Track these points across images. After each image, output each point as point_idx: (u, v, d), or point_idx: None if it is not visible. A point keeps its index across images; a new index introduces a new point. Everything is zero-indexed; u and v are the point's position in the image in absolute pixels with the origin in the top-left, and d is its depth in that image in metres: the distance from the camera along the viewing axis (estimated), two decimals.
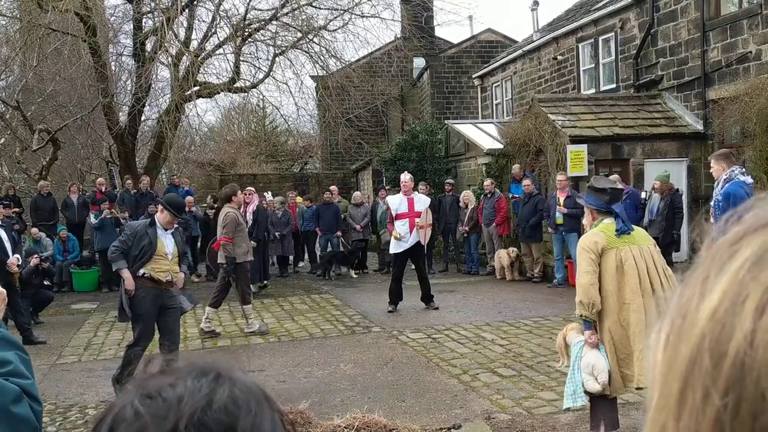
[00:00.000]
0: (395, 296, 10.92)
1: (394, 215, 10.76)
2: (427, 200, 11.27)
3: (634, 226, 5.04)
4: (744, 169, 7.77)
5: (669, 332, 0.56)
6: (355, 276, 15.26)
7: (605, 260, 4.75)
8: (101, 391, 7.08)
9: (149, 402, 0.74)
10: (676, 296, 0.58)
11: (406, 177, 11.00)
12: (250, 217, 12.71)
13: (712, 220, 8.01)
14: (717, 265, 0.55)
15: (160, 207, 6.92)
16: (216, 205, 15.93)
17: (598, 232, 4.86)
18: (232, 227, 9.50)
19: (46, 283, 12.02)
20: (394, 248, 10.82)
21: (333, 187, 17.30)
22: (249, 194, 13.08)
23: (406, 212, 10.69)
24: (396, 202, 10.88)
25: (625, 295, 4.71)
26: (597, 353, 4.78)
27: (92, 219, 14.67)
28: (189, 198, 15.04)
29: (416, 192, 11.39)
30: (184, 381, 0.76)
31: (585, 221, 5.24)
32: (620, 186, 5.22)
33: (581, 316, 4.77)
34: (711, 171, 7.72)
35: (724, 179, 7.32)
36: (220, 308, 11.80)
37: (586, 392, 4.83)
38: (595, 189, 4.98)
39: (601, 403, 4.87)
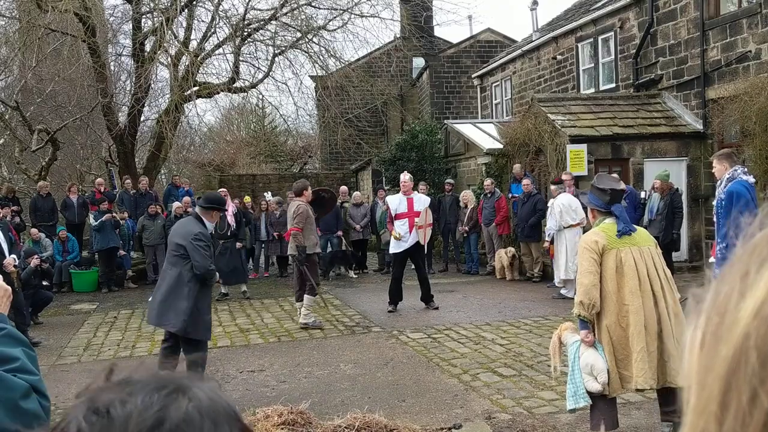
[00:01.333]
0: (395, 296, 10.91)
1: (393, 215, 10.75)
2: (427, 200, 11.26)
3: (636, 226, 5.01)
4: (746, 169, 7.81)
5: (705, 331, 0.54)
6: (354, 276, 15.24)
7: (605, 260, 4.74)
8: None
9: (95, 419, 0.70)
10: (711, 293, 0.55)
11: (405, 177, 10.99)
12: (231, 219, 12.79)
13: (714, 219, 7.99)
14: (757, 260, 0.53)
15: (212, 212, 6.64)
16: None
17: (599, 231, 4.84)
18: (303, 218, 9.75)
19: (45, 283, 12.01)
20: (394, 248, 10.82)
21: (343, 188, 17.44)
22: (223, 195, 13.07)
23: (406, 212, 10.68)
24: (395, 202, 10.87)
25: (625, 296, 4.69)
26: (595, 353, 4.76)
27: (92, 220, 14.65)
28: (186, 199, 15.03)
29: (416, 192, 11.38)
30: (137, 396, 0.71)
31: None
32: (622, 186, 5.18)
33: (579, 315, 4.75)
34: (713, 171, 7.74)
35: (727, 178, 7.35)
36: (221, 308, 11.82)
37: (587, 392, 4.81)
38: (597, 188, 4.96)
39: (601, 403, 4.85)
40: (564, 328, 5.13)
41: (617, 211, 4.88)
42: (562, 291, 11.58)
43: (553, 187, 12.15)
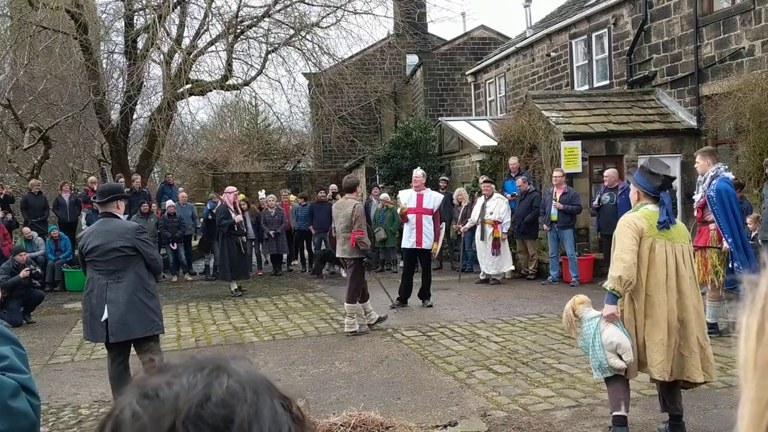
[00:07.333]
0: (404, 293, 10.90)
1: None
2: (439, 197, 11.27)
3: (676, 220, 4.99)
4: (726, 166, 8.00)
5: (763, 318, 0.52)
6: (345, 275, 15.14)
7: (640, 246, 4.75)
8: (94, 391, 7.02)
9: (147, 402, 0.75)
10: (766, 282, 0.53)
11: (417, 172, 11.08)
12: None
13: (695, 214, 8.09)
14: None
15: (116, 202, 6.03)
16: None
17: (641, 217, 4.82)
18: (363, 220, 9.26)
19: (36, 282, 11.92)
20: (405, 243, 10.97)
21: (333, 186, 17.46)
22: (236, 195, 13.37)
23: (414, 207, 10.77)
24: (406, 196, 11.03)
25: (650, 286, 4.74)
26: (618, 331, 4.76)
27: (83, 221, 14.55)
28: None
29: (428, 189, 11.32)
30: (181, 378, 0.77)
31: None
32: (673, 174, 5.16)
33: (613, 290, 4.71)
34: (696, 166, 7.97)
35: (711, 176, 7.55)
36: (215, 307, 11.77)
37: (610, 368, 4.82)
38: (649, 172, 4.90)
39: (620, 384, 4.89)
40: (579, 301, 5.01)
41: (666, 199, 4.87)
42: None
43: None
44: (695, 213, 8.16)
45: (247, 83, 19.57)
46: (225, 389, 0.76)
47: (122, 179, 16.59)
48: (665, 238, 4.78)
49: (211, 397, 0.75)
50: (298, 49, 18.71)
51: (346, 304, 9.24)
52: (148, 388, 0.77)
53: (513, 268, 13.32)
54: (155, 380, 0.78)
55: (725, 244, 7.57)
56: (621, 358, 4.74)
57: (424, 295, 11.00)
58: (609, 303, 4.76)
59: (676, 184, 13.20)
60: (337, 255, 9.58)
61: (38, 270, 11.47)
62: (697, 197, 7.98)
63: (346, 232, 9.07)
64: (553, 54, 18.65)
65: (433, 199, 10.93)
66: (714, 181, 7.49)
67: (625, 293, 4.76)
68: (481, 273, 13.34)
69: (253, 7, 18.81)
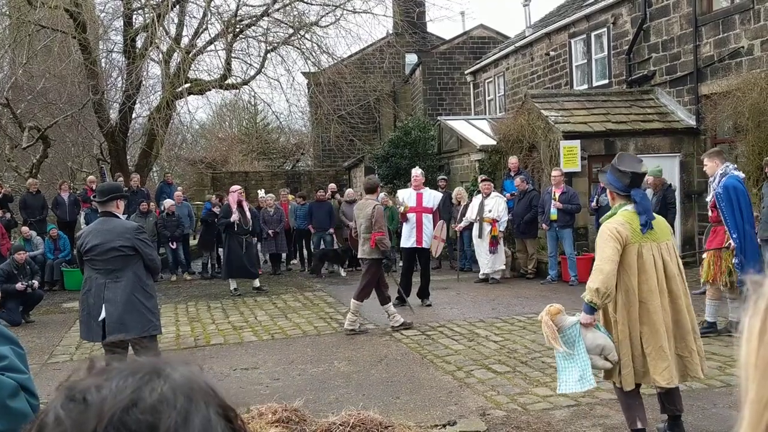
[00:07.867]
0: (405, 291, 10.90)
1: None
2: (439, 195, 11.33)
3: (655, 215, 4.83)
4: (736, 165, 8.00)
5: (764, 320, 0.52)
6: (344, 274, 15.17)
7: (625, 254, 4.63)
8: None
9: (71, 406, 0.72)
10: None
11: (417, 171, 11.11)
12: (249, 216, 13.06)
13: (710, 213, 8.09)
14: None
15: (115, 201, 6.11)
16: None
17: (624, 222, 4.67)
18: (383, 221, 9.20)
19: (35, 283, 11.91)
20: (404, 242, 10.98)
21: (332, 185, 17.53)
22: (240, 193, 13.24)
23: (414, 206, 10.82)
24: (405, 195, 11.06)
25: (643, 293, 4.62)
26: (600, 333, 4.70)
27: (82, 221, 14.55)
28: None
29: (427, 188, 11.35)
30: (111, 382, 0.74)
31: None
32: (644, 169, 4.90)
33: (590, 301, 4.58)
34: (705, 169, 7.97)
35: (720, 174, 7.57)
36: (214, 306, 11.77)
37: (615, 384, 4.77)
38: (618, 169, 4.75)
39: (633, 400, 4.81)
40: (555, 311, 4.82)
41: (637, 197, 4.70)
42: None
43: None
44: (710, 213, 8.14)
45: (246, 82, 19.56)
46: (156, 395, 0.72)
47: (121, 178, 16.57)
48: (650, 239, 4.67)
49: (138, 402, 0.72)
50: (297, 48, 18.70)
51: (352, 300, 9.25)
52: (75, 391, 0.74)
53: (504, 267, 13.31)
54: (86, 383, 0.75)
55: (732, 242, 7.55)
56: (607, 359, 4.71)
57: (423, 294, 11.01)
58: (586, 313, 4.65)
59: (675, 183, 13.22)
60: (358, 255, 9.61)
61: (35, 284, 11.34)
62: (708, 198, 8.00)
63: (366, 233, 9.13)
64: (552, 53, 18.64)
65: (432, 197, 10.97)
66: (723, 179, 7.50)
67: (602, 304, 4.63)
68: (480, 272, 13.30)
69: (252, 6, 18.81)
